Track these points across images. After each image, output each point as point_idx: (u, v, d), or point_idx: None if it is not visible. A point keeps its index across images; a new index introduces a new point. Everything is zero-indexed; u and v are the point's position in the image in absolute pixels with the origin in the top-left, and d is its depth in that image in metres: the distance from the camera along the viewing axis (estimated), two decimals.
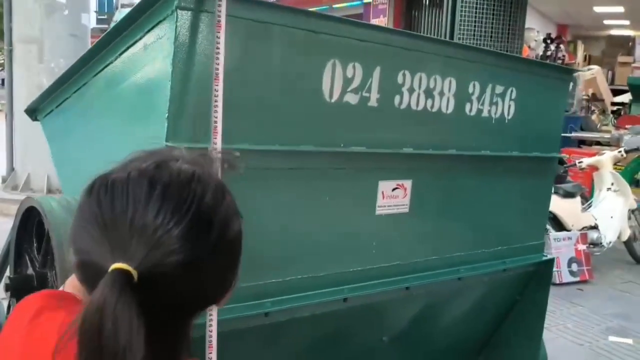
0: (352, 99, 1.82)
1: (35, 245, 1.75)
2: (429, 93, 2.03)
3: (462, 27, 7.21)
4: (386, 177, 1.99)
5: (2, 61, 12.49)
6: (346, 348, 2.15)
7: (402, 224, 2.08)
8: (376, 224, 1.99)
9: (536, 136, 2.49)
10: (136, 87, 1.64)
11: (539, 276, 2.66)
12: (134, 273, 0.66)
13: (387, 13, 8.99)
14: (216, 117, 1.41)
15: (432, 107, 2.05)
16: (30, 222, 1.69)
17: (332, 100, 1.78)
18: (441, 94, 2.07)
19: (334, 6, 10.65)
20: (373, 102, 1.88)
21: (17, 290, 1.73)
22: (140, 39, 1.58)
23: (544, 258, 2.64)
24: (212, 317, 1.48)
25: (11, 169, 6.56)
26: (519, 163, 2.45)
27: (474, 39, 7.14)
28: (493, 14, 7.19)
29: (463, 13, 7.17)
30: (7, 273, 2.03)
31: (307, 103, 1.73)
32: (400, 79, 1.94)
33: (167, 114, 1.46)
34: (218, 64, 1.39)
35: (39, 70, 6.09)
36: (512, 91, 2.31)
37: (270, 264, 1.76)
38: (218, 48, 1.39)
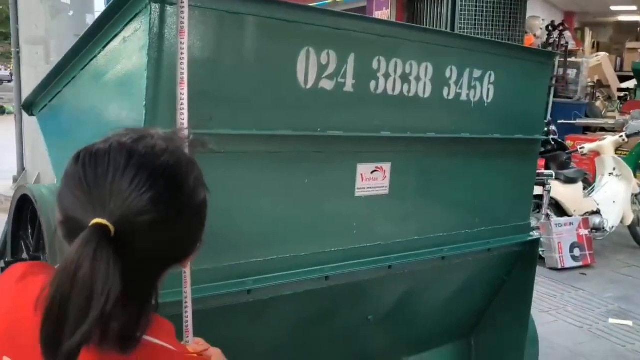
0: (327, 85, 1.90)
1: (30, 231, 1.85)
2: (405, 78, 2.10)
3: (462, 17, 7.23)
4: (365, 160, 2.06)
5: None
6: (332, 327, 2.23)
7: (382, 205, 2.15)
8: (356, 206, 2.07)
9: (518, 119, 2.54)
10: (117, 78, 1.73)
11: (525, 256, 2.72)
12: (111, 228, 0.78)
13: (390, 5, 9.02)
14: (182, 121, 1.49)
15: (408, 91, 2.12)
16: (25, 210, 1.78)
17: (308, 87, 1.86)
18: (417, 78, 2.14)
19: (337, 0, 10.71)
20: (349, 88, 1.95)
21: None
22: (120, 32, 1.67)
23: (529, 238, 2.70)
24: (187, 302, 1.57)
25: (22, 168, 6.71)
26: (501, 145, 2.51)
27: (475, 28, 7.16)
28: (494, 3, 7.20)
29: (464, 2, 7.19)
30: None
31: (282, 90, 1.81)
32: (375, 65, 2.01)
33: (144, 102, 1.55)
34: (183, 71, 1.47)
35: (45, 71, 6.16)
36: (490, 75, 2.37)
37: (252, 244, 1.85)
38: (182, 54, 1.47)
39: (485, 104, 2.39)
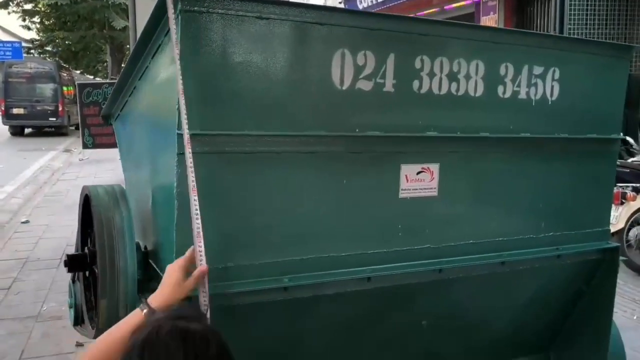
0: (365, 85, 1.91)
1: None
2: (452, 77, 2.05)
3: (572, 17, 6.84)
4: (409, 160, 2.04)
5: None
6: (381, 330, 2.20)
7: (431, 207, 2.11)
8: (400, 207, 2.04)
9: (590, 117, 2.38)
10: (158, 84, 1.86)
11: (604, 265, 2.52)
12: None
13: (497, 10, 8.74)
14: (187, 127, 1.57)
15: (457, 90, 2.07)
16: (89, 208, 1.96)
17: (344, 88, 1.88)
18: (467, 77, 2.08)
19: (446, 7, 10.55)
20: (389, 88, 1.95)
21: (72, 266, 2.03)
22: (162, 41, 1.80)
23: (608, 245, 2.50)
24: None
25: None
26: (571, 145, 2.37)
27: (586, 28, 6.75)
28: (607, 0, 6.75)
29: (573, 2, 6.81)
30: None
31: (316, 91, 1.85)
32: (418, 64, 1.98)
33: (177, 106, 1.65)
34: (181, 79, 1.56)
35: None
36: (554, 71, 2.25)
37: (289, 243, 1.89)
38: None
39: (549, 102, 2.27)
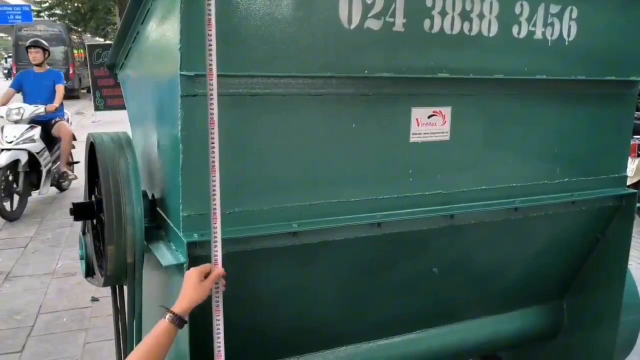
0: (374, 24, 1.83)
1: None
2: (465, 16, 1.97)
3: None
4: (420, 103, 1.98)
5: None
6: (392, 277, 2.19)
7: (442, 152, 2.06)
8: (411, 152, 1.99)
9: (609, 59, 2.29)
10: (160, 26, 1.80)
11: (621, 212, 2.47)
12: None
13: None
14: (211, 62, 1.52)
15: (470, 30, 1.99)
16: (95, 156, 1.93)
17: (352, 27, 1.81)
18: (481, 16, 2.00)
19: None
20: (399, 27, 1.87)
21: (79, 214, 2.01)
22: None
23: (624, 192, 2.44)
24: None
25: None
26: (588, 88, 2.29)
27: None
28: None
29: None
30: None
31: (324, 31, 1.78)
32: (429, 3, 1.90)
33: (179, 45, 1.60)
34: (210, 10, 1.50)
35: None
36: (572, 10, 2.16)
37: (297, 188, 1.85)
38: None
39: (566, 43, 2.18)
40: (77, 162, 7.19)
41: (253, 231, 1.79)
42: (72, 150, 7.14)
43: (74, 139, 6.96)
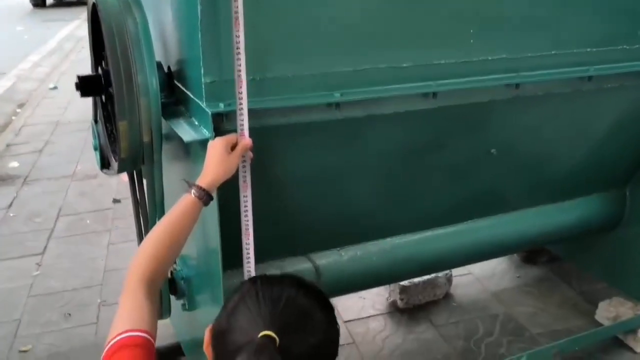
0: None
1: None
2: None
3: None
4: None
5: None
6: (446, 158, 1.92)
7: (508, 5, 1.72)
8: (472, 6, 1.67)
9: None
10: None
11: None
12: (277, 340, 0.90)
13: None
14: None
15: None
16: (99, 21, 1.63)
17: None
18: None
19: None
20: None
21: (85, 89, 1.74)
22: None
23: None
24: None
25: None
26: None
27: None
28: None
29: None
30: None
31: None
32: None
33: None
34: None
35: None
36: None
37: (339, 51, 1.55)
38: None
39: None
40: None
41: (287, 101, 1.51)
42: None
43: None
